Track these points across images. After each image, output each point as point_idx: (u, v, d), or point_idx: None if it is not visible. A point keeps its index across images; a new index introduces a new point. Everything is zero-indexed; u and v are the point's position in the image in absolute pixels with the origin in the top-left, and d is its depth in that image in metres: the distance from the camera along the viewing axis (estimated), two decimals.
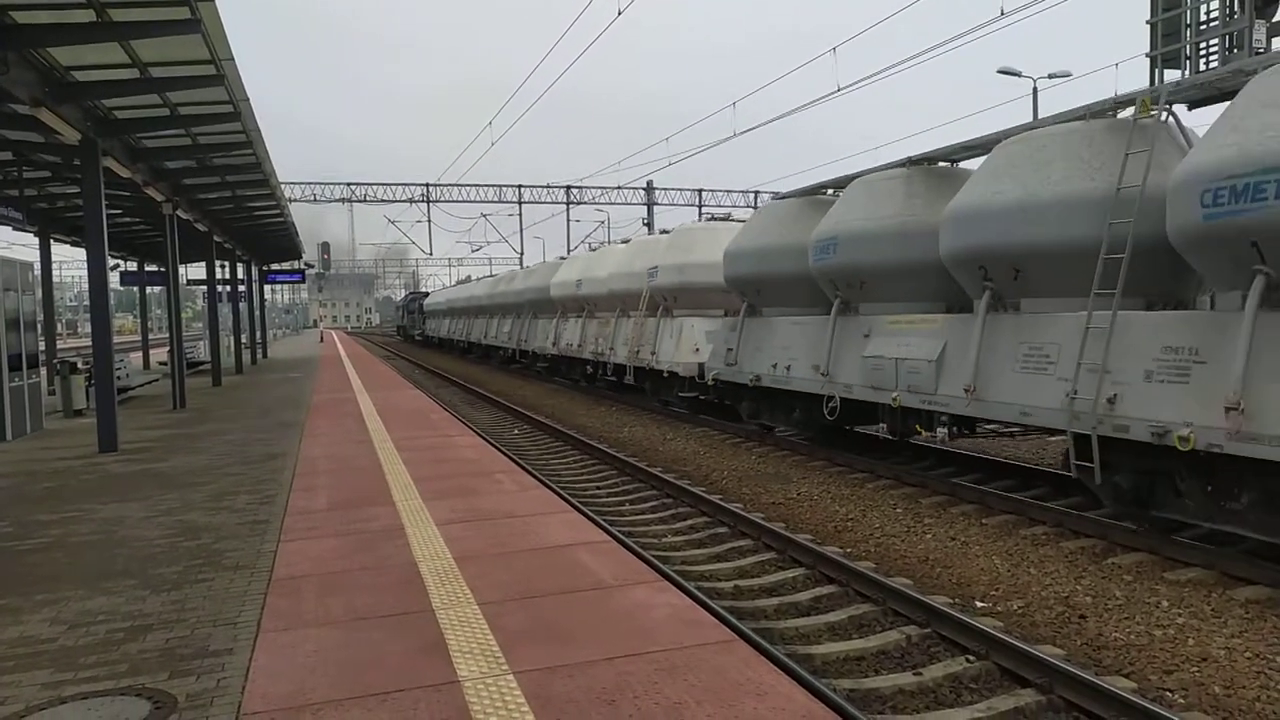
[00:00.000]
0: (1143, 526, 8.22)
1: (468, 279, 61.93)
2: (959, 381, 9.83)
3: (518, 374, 32.49)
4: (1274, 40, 9.10)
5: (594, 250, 28.45)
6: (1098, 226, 8.33)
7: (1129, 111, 8.92)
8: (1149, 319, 7.91)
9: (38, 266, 21.26)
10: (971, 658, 5.89)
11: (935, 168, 11.86)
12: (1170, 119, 8.76)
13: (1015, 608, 7.00)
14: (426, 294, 73.23)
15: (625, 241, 24.44)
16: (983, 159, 10.32)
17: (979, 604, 7.13)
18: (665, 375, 18.76)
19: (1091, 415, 8.01)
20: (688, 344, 17.86)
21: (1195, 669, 5.71)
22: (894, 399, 10.91)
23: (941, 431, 11.65)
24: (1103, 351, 7.97)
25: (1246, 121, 7.03)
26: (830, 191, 13.93)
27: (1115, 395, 7.87)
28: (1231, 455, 6.86)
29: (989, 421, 10.70)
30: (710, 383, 16.06)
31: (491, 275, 50.62)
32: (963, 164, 12.01)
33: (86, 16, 9.18)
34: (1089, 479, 8.17)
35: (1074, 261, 8.58)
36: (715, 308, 18.18)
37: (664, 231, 23.73)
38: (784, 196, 15.42)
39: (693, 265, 18.85)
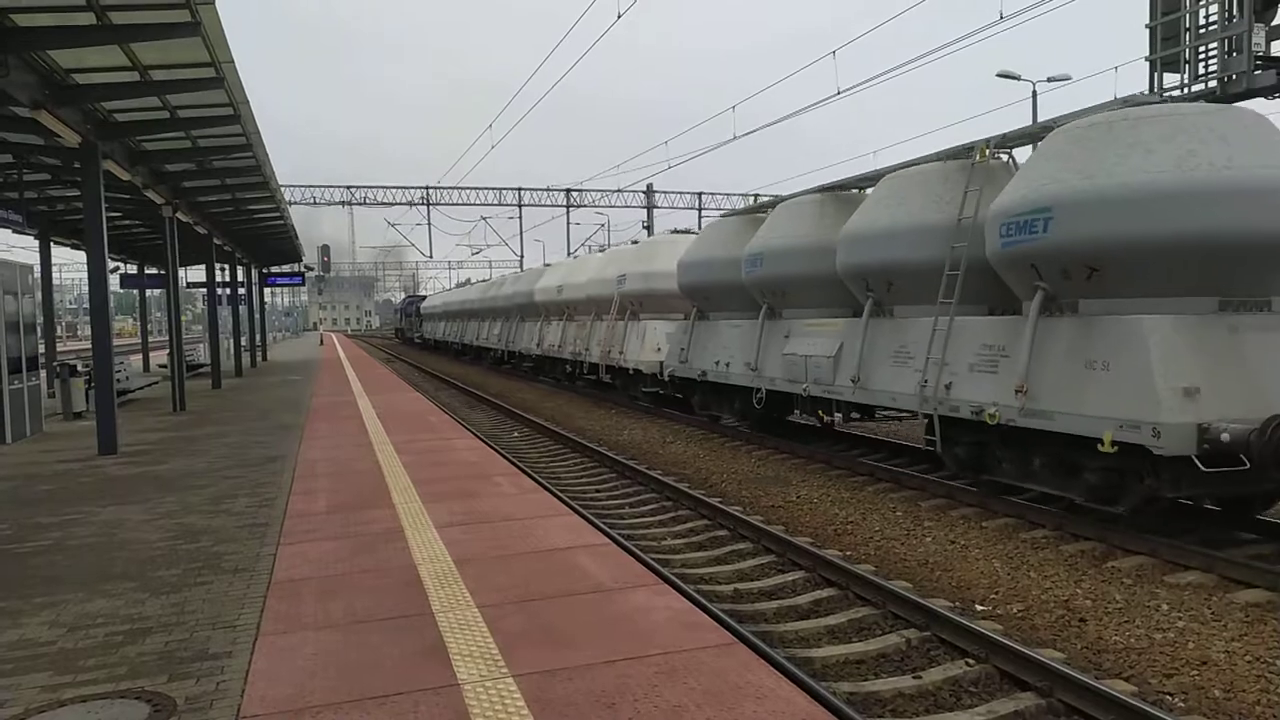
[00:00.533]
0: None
1: (467, 282, 62.03)
2: (849, 374, 11.91)
3: (516, 377, 32.48)
4: (1274, 43, 9.11)
5: (574, 258, 31.80)
6: (944, 249, 10.24)
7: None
8: (972, 322, 9.90)
9: (38, 269, 21.28)
10: (971, 661, 5.89)
11: (842, 194, 13.67)
12: (1009, 160, 10.85)
13: (1015, 611, 6.99)
14: (424, 297, 74.97)
15: (603, 249, 27.14)
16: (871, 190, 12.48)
17: (979, 607, 7.12)
18: (631, 372, 20.80)
19: (934, 400, 10.08)
20: (650, 344, 19.93)
21: (1195, 672, 5.71)
22: (804, 389, 13.04)
23: (839, 415, 13.52)
24: (943, 349, 10.04)
25: (1031, 170, 9.07)
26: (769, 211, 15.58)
27: (950, 383, 9.94)
28: (1023, 427, 8.87)
29: (880, 407, 12.17)
30: (666, 378, 18.21)
31: (483, 280, 52.06)
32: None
33: (87, 19, 9.18)
34: (937, 450, 10.27)
35: (929, 277, 10.51)
36: (676, 312, 19.83)
37: (634, 242, 25.94)
38: (727, 215, 17.62)
39: (656, 274, 20.91)
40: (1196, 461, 7.36)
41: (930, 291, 10.45)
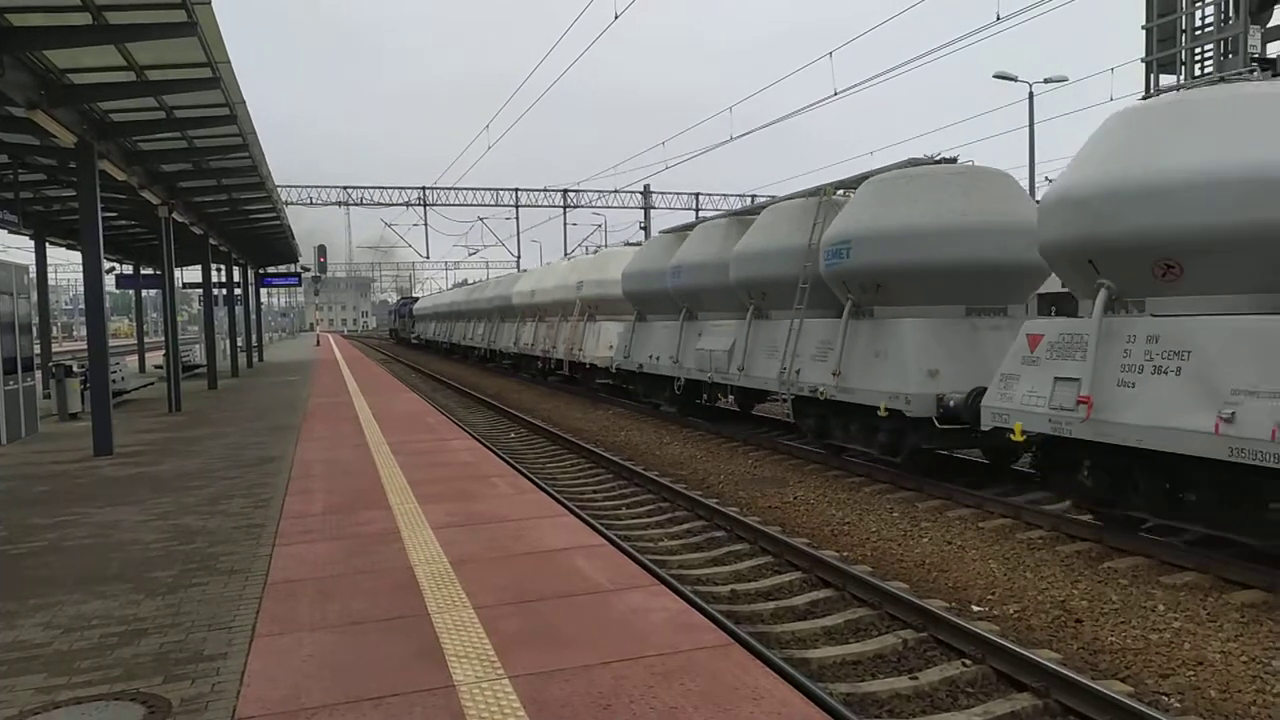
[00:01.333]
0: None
1: (464, 283, 62.14)
2: (737, 364, 15.01)
3: (510, 377, 32.48)
4: (1269, 44, 9.13)
5: (546, 265, 36.58)
6: (800, 266, 13.17)
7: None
8: (812, 323, 13.00)
9: (33, 269, 21.23)
10: (968, 662, 5.89)
11: (745, 219, 16.46)
12: (844, 195, 13.47)
13: (1012, 611, 7.00)
14: (416, 299, 77.78)
15: (598, 250, 30.69)
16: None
17: (975, 608, 7.13)
18: (588, 367, 23.71)
19: (790, 383, 13.10)
20: (604, 342, 22.85)
21: (1191, 673, 5.72)
22: (709, 377, 16.08)
23: (731, 397, 17.32)
24: (795, 343, 13.16)
25: (844, 211, 12.34)
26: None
27: (799, 370, 12.99)
28: (840, 402, 11.90)
29: (758, 390, 15.10)
30: (614, 370, 21.19)
31: (471, 283, 54.34)
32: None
33: (82, 19, 9.16)
34: (793, 420, 13.55)
35: (791, 288, 13.37)
36: (627, 314, 21.99)
37: (594, 251, 30.82)
38: (663, 232, 20.59)
39: (608, 280, 23.84)
40: (935, 421, 10.21)
41: (792, 298, 13.29)
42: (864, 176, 12.82)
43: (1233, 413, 6.67)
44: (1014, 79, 29.34)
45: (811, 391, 12.50)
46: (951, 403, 10.12)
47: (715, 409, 18.51)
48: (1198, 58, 9.61)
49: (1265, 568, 7.14)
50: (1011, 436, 8.64)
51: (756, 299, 15.02)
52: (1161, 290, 7.64)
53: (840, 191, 13.72)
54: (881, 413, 10.81)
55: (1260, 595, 6.86)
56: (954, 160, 12.09)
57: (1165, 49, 9.69)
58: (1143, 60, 9.98)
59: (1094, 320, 7.93)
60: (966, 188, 11.26)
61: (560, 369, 26.42)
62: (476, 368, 39.81)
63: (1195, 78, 9.67)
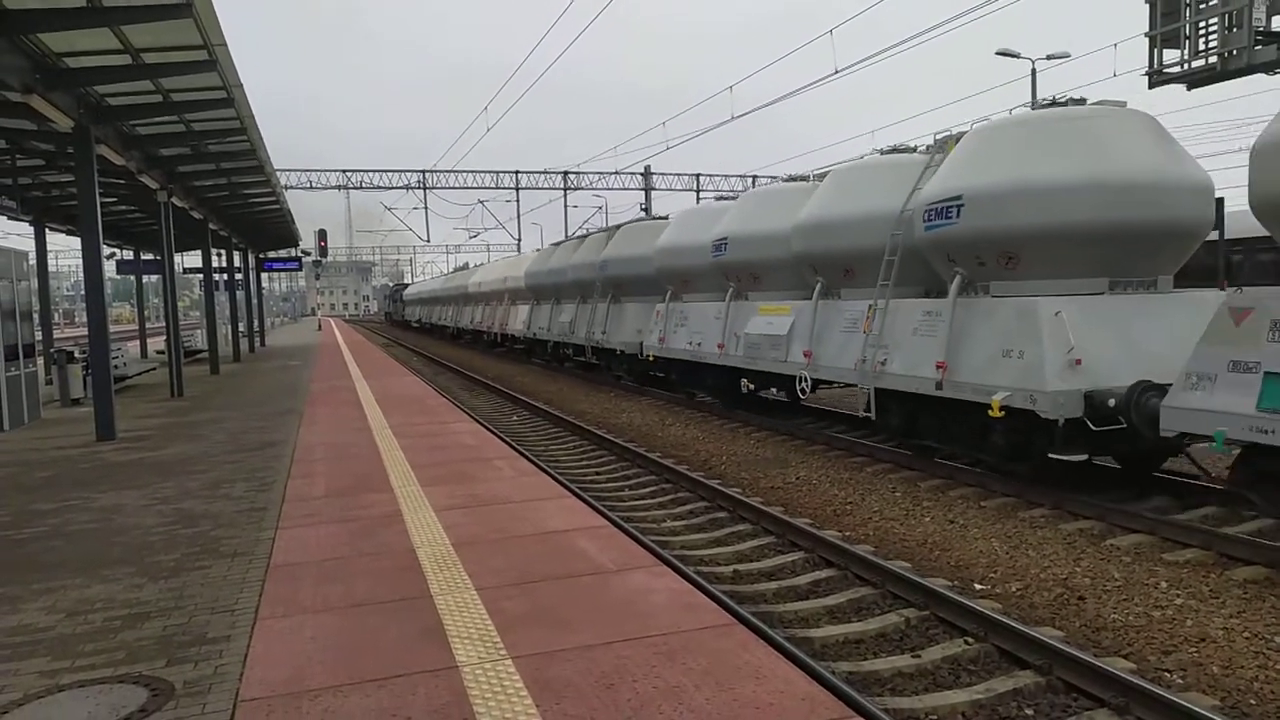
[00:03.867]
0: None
1: (465, 266, 62.32)
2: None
3: (514, 360, 32.52)
4: (1274, 19, 9.03)
5: (493, 262, 46.86)
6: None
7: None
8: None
9: (33, 255, 21.19)
10: (970, 640, 5.90)
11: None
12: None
13: (1014, 590, 7.00)
14: (406, 285, 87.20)
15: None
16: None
17: (978, 586, 7.13)
18: (512, 335, 32.54)
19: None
20: (519, 320, 29.65)
21: (1194, 649, 5.72)
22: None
23: (776, 390, 16.59)
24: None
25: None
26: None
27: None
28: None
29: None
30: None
31: (469, 266, 59.43)
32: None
33: (77, 2, 9.08)
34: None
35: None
36: (543, 301, 27.73)
37: (536, 250, 34.61)
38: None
39: (519, 276, 30.30)
40: (1089, 423, 8.41)
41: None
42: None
43: None
44: (1016, 55, 29.13)
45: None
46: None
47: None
48: (1201, 32, 9.52)
49: (1269, 544, 7.14)
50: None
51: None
52: None
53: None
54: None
55: (1262, 572, 6.87)
56: (1082, 101, 9.93)
57: (1169, 23, 9.59)
58: (1146, 35, 9.88)
59: None
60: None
61: (505, 342, 35.76)
62: (478, 352, 39.95)
63: (1199, 52, 9.59)
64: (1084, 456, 8.80)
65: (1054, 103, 10.01)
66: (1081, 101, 9.85)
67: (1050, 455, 8.81)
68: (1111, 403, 8.20)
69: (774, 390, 16.29)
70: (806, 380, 12.87)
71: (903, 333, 10.84)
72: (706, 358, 16.22)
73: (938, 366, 9.84)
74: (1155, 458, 9.63)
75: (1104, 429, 8.30)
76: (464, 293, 43.52)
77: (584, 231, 27.94)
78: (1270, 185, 6.92)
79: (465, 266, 62.05)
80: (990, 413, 8.97)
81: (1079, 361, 8.46)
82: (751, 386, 16.79)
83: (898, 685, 5.43)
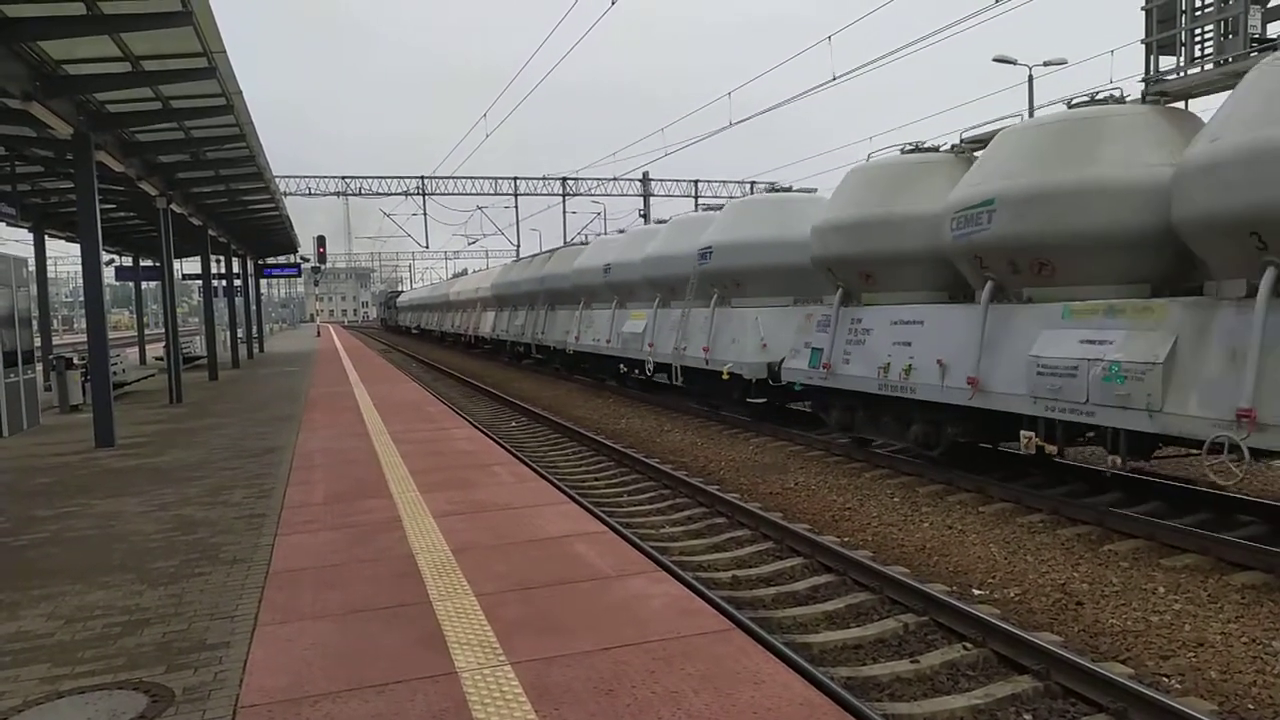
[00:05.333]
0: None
1: (464, 272, 62.56)
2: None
3: (512, 367, 32.52)
4: (1270, 25, 9.06)
5: (469, 273, 54.27)
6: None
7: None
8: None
9: (32, 262, 21.18)
10: (969, 645, 5.91)
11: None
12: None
13: (1012, 595, 7.01)
14: (400, 293, 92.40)
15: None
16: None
17: (976, 591, 7.14)
18: (482, 336, 38.60)
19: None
20: (485, 324, 37.06)
21: (1192, 654, 5.73)
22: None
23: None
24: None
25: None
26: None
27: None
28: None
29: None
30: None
31: (467, 272, 62.40)
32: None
33: (77, 9, 9.11)
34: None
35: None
36: (522, 305, 31.25)
37: (509, 264, 39.51)
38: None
39: (487, 286, 35.35)
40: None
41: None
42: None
43: None
44: (1013, 62, 29.21)
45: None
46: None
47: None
48: (1198, 39, 9.55)
49: (1266, 549, 7.15)
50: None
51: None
52: None
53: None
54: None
55: (1260, 577, 6.88)
56: (1121, 99, 9.27)
57: (1165, 30, 9.62)
58: (1142, 41, 9.91)
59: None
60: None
61: (478, 344, 41.13)
62: (475, 357, 39.97)
63: (1194, 59, 9.61)
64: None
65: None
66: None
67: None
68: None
69: (643, 373, 20.17)
70: (650, 364, 18.51)
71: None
72: (602, 350, 21.76)
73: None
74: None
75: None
76: (446, 300, 49.93)
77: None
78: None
79: (464, 273, 62.33)
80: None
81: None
82: (624, 368, 21.77)
83: (896, 691, 5.44)
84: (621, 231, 26.31)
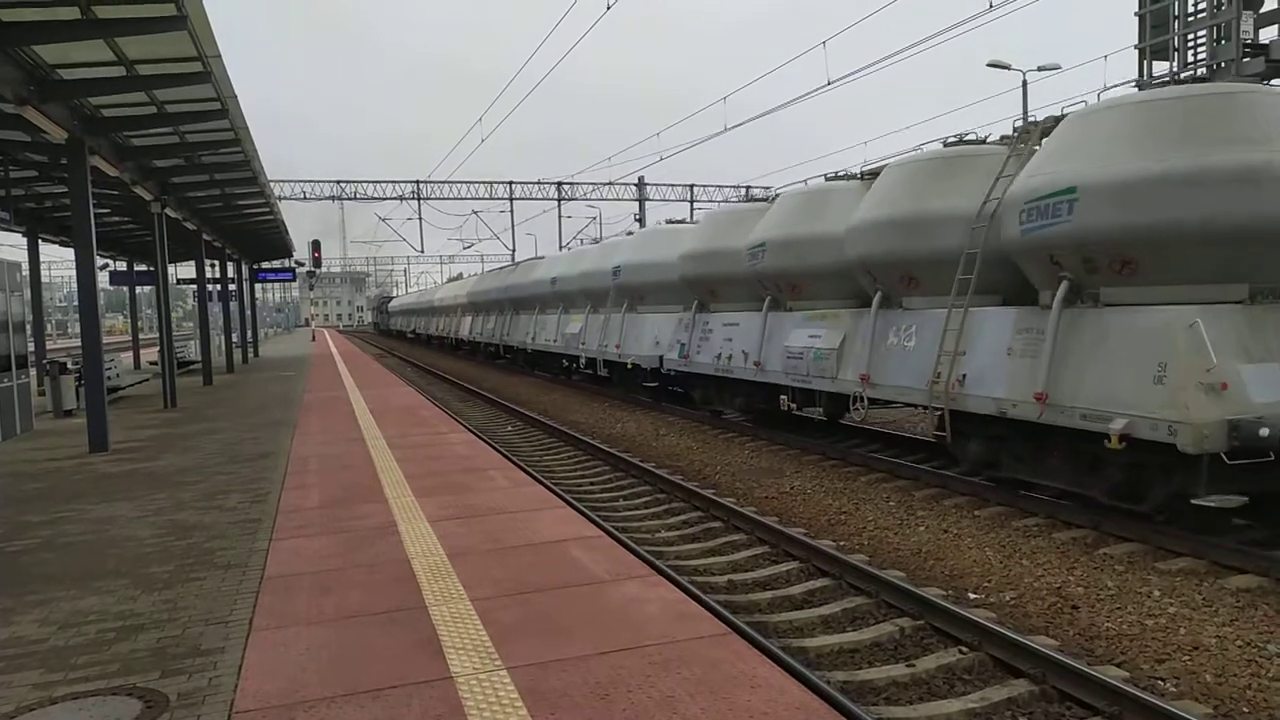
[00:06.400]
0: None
1: (459, 276, 62.62)
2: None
3: (509, 371, 32.51)
4: (1262, 31, 9.12)
5: (450, 281, 57.96)
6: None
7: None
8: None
9: (25, 266, 21.13)
10: (964, 649, 5.91)
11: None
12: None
13: (1008, 599, 7.02)
14: (392, 298, 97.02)
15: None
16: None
17: (972, 595, 7.15)
18: (459, 338, 43.59)
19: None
20: (464, 326, 41.48)
21: (1187, 658, 5.74)
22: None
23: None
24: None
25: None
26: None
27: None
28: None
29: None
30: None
31: (461, 276, 63.54)
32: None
33: (71, 14, 9.10)
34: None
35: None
36: (498, 312, 35.29)
37: (484, 272, 46.16)
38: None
39: (465, 294, 40.34)
40: (1224, 458, 7.12)
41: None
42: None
43: None
44: (1007, 67, 29.29)
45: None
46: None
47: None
48: (1190, 44, 9.61)
49: (1261, 553, 7.17)
50: None
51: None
52: None
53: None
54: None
55: (1255, 580, 6.89)
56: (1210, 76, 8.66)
57: (1158, 35, 9.68)
58: (1136, 47, 9.96)
59: None
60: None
61: (460, 346, 44.90)
62: (461, 359, 40.14)
63: (1187, 64, 9.67)
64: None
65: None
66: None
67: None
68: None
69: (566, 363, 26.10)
70: (583, 359, 22.66)
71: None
72: (551, 348, 26.37)
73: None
74: None
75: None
76: (431, 305, 55.04)
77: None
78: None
79: (459, 277, 62.41)
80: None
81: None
82: (566, 363, 26.29)
83: (892, 695, 5.44)
84: (564, 249, 33.26)
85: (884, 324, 11.24)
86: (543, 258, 30.83)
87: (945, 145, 11.03)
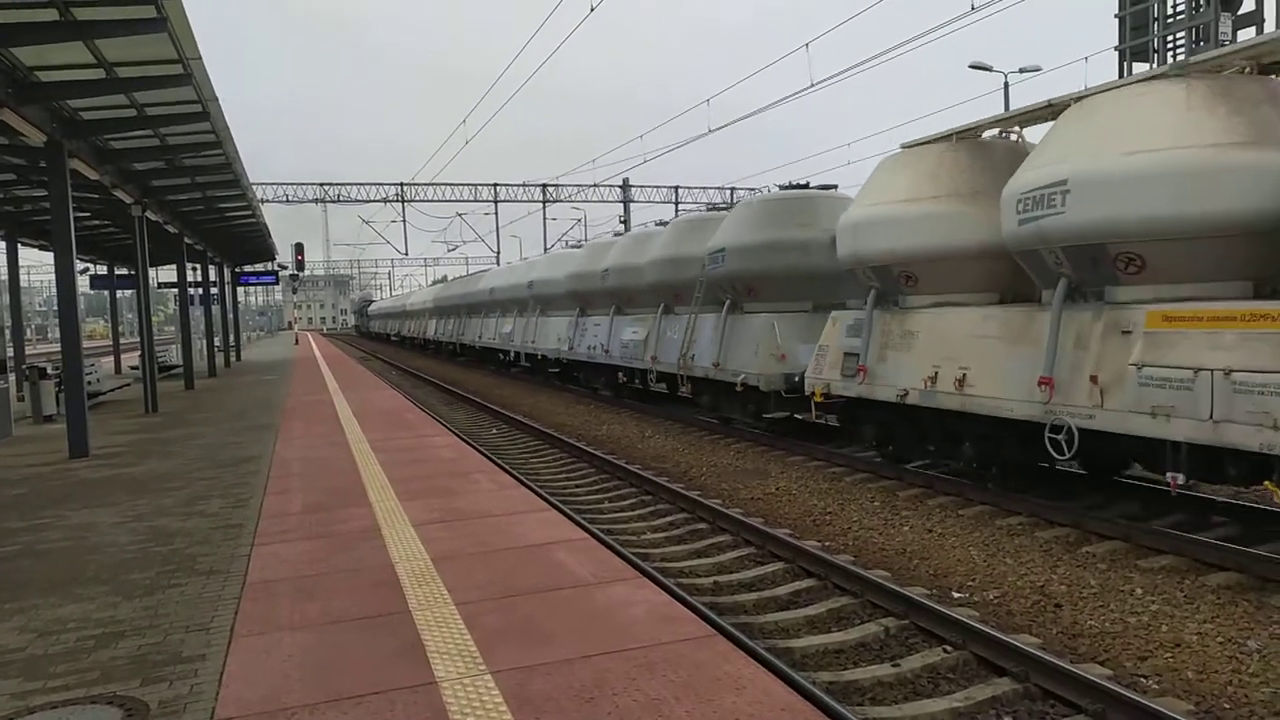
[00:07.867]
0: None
1: (444, 279, 62.47)
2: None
3: (493, 374, 32.45)
4: (1240, 32, 9.22)
5: (422, 287, 65.01)
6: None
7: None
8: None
9: (4, 271, 20.93)
10: (949, 648, 5.93)
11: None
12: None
13: (992, 598, 7.05)
14: (372, 301, 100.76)
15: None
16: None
17: (956, 595, 7.18)
18: (423, 338, 50.43)
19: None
20: (421, 328, 50.13)
21: (1169, 655, 5.78)
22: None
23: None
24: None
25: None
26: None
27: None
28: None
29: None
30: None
31: (446, 279, 64.45)
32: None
33: (49, 15, 9.01)
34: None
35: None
36: (452, 315, 41.35)
37: (438, 281, 52.53)
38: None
39: (427, 299, 47.42)
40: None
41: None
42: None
43: None
44: (989, 69, 29.48)
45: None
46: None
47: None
48: (1170, 45, 9.70)
49: (1240, 550, 7.23)
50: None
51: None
52: None
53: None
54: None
55: (1235, 577, 6.95)
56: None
57: (1138, 37, 9.76)
58: (1116, 48, 10.05)
59: None
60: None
61: (429, 345, 49.26)
62: (452, 364, 39.87)
63: (1169, 65, 9.74)
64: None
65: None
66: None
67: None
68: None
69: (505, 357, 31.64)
70: (513, 353, 29.37)
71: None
72: (493, 345, 32.43)
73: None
74: None
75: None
76: (404, 310, 60.60)
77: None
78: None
79: (444, 279, 62.24)
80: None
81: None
82: (502, 356, 31.96)
83: (878, 694, 5.45)
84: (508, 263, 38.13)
85: (665, 324, 17.87)
86: (488, 270, 38.73)
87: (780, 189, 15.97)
